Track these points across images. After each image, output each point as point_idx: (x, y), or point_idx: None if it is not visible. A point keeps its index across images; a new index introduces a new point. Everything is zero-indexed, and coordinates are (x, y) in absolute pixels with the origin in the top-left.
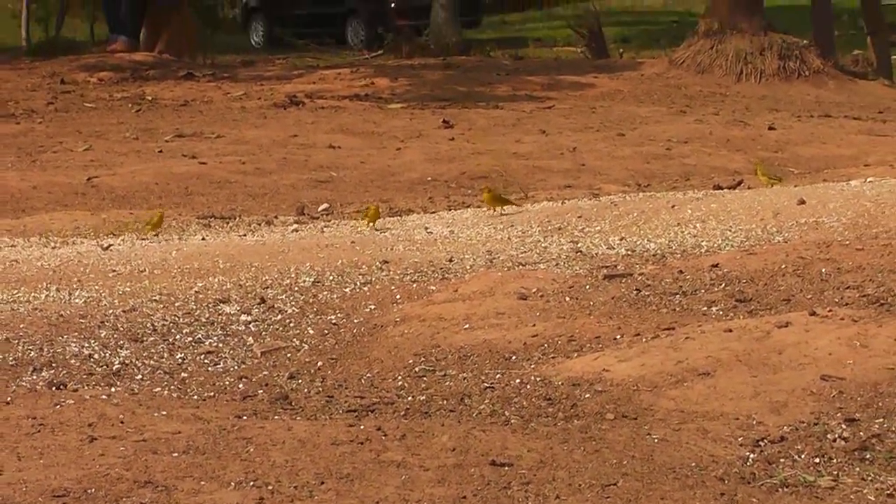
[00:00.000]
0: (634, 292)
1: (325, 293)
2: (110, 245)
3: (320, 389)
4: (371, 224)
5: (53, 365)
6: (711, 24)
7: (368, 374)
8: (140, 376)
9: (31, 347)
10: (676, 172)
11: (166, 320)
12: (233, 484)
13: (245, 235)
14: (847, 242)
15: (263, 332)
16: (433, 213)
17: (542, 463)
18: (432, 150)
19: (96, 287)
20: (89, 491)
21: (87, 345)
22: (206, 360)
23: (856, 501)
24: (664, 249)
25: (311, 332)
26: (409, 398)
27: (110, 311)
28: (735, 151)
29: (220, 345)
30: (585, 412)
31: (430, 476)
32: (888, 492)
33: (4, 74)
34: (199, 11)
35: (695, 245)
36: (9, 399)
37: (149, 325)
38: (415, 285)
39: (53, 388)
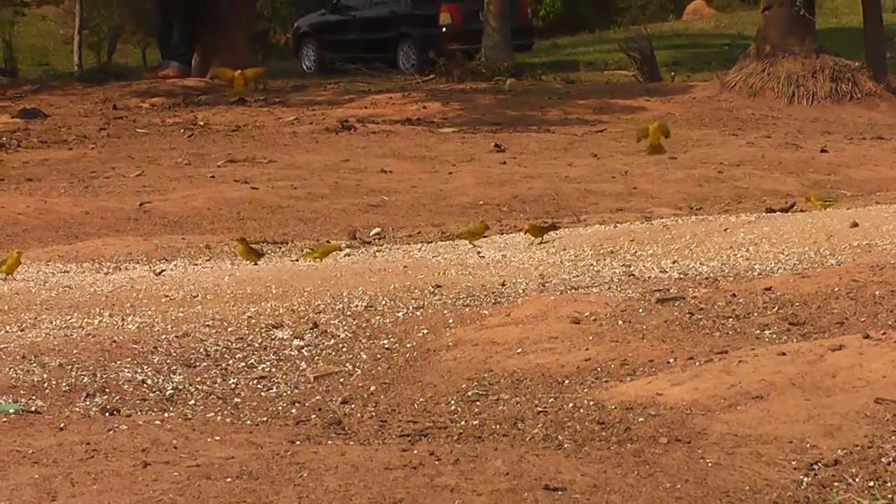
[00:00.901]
0: (687, 316)
1: (378, 318)
2: (163, 270)
3: (373, 414)
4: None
5: (107, 390)
6: (763, 46)
7: (421, 399)
8: (193, 401)
9: (84, 373)
10: (728, 195)
11: (219, 345)
12: None
13: (297, 260)
14: None
15: (316, 357)
16: (485, 236)
17: (595, 487)
18: (484, 174)
19: (149, 312)
20: None
21: (140, 370)
22: (258, 385)
23: None
24: (717, 273)
25: (364, 356)
26: (462, 423)
27: (163, 337)
28: (787, 174)
29: (273, 370)
30: (639, 436)
31: (484, 500)
32: None
33: (57, 100)
34: (251, 37)
35: (747, 268)
36: (62, 425)
37: (202, 350)
38: (467, 310)
39: (107, 414)
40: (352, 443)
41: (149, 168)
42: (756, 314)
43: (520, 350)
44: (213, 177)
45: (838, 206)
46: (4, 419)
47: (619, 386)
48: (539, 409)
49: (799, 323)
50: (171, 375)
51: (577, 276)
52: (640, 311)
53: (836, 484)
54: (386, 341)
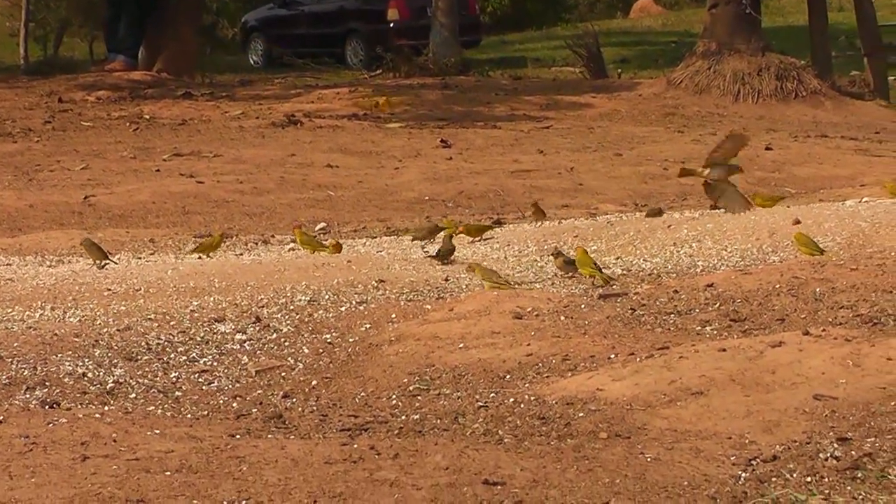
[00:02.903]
0: (629, 312)
1: (321, 312)
2: (106, 264)
3: (314, 408)
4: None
5: (47, 384)
6: (709, 44)
7: (363, 393)
8: (134, 395)
9: (24, 366)
10: (673, 192)
11: (161, 339)
12: (225, 503)
13: (241, 255)
14: (841, 262)
15: (258, 351)
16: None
17: (534, 482)
18: (430, 170)
19: (91, 306)
20: None
21: (81, 363)
22: (200, 379)
23: None
24: (660, 269)
25: (306, 351)
26: (403, 417)
27: (105, 330)
28: None
29: (215, 364)
30: (579, 431)
31: (423, 495)
32: None
33: (2, 93)
34: (198, 31)
35: (690, 265)
36: (1, 418)
37: (143, 343)
38: (410, 304)
39: (46, 407)
40: (292, 437)
41: (94, 161)
42: (698, 310)
43: (462, 345)
44: (158, 171)
45: (782, 204)
46: None
47: (560, 381)
48: (480, 403)
49: (740, 319)
50: (112, 369)
51: (521, 271)
52: (583, 306)
53: (773, 479)
54: (328, 336)
